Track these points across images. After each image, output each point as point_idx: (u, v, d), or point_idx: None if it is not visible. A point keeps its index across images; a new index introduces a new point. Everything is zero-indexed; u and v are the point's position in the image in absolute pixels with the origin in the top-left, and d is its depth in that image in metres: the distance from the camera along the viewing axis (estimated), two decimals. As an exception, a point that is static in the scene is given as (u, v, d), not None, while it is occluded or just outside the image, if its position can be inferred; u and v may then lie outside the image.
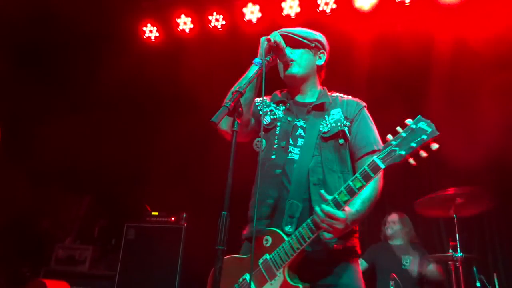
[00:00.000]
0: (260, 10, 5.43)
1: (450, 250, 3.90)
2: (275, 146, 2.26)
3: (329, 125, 2.24)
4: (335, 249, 2.04)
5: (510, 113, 4.63)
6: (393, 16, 5.05)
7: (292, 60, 2.30)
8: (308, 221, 1.93)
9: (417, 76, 5.29)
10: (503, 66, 4.75)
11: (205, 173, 5.54)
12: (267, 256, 2.02)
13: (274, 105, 2.42)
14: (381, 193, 2.11)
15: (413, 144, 1.71)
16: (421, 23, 4.93)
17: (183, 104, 5.86)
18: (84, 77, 6.02)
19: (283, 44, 2.19)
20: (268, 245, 2.04)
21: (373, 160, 1.81)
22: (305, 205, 2.08)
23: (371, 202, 2.05)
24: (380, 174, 2.04)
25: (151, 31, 6.00)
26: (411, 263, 4.65)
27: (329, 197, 1.88)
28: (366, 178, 1.82)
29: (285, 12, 5.31)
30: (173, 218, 5.38)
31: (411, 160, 1.74)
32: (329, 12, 5.17)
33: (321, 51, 2.41)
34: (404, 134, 1.75)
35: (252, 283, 2.02)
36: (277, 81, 2.40)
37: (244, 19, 5.48)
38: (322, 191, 1.91)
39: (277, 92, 2.49)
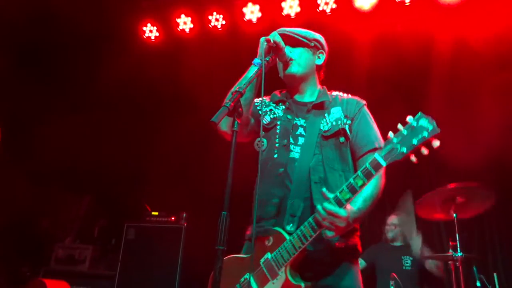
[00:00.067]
0: (260, 10, 5.43)
1: (450, 250, 3.90)
2: (276, 145, 2.26)
3: (329, 124, 2.24)
4: (337, 248, 2.04)
5: (510, 113, 4.63)
6: (393, 16, 5.05)
7: (291, 59, 2.30)
8: (310, 219, 1.93)
9: (417, 76, 5.29)
10: (503, 66, 4.76)
11: (205, 173, 5.54)
12: (268, 255, 2.02)
13: (274, 105, 2.42)
14: (383, 191, 2.10)
15: (414, 142, 1.71)
16: (421, 23, 4.94)
17: (183, 104, 5.86)
18: (84, 77, 6.02)
19: (282, 43, 2.19)
20: (269, 244, 2.04)
21: (374, 158, 1.81)
22: (307, 204, 2.08)
23: (373, 200, 2.05)
24: (381, 172, 2.05)
25: (151, 31, 6.00)
26: (412, 261, 4.67)
27: (330, 195, 1.88)
28: (368, 175, 1.82)
29: (285, 12, 5.31)
30: (173, 218, 5.38)
31: (413, 158, 1.73)
32: (329, 12, 5.17)
33: (320, 50, 2.41)
34: (405, 132, 1.74)
35: (253, 283, 2.02)
36: (276, 82, 2.40)
37: (244, 19, 5.48)
38: (324, 189, 1.91)
39: (276, 92, 2.49)
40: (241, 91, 1.87)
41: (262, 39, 2.16)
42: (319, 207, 1.88)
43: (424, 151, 1.71)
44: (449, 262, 4.02)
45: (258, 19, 5.44)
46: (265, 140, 2.31)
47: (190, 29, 5.81)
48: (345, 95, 2.40)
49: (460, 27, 4.84)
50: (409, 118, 1.75)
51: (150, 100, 6.26)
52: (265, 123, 2.35)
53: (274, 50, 2.17)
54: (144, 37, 6.01)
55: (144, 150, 6.21)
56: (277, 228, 2.05)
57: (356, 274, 2.12)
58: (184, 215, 5.36)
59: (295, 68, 2.32)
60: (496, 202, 3.84)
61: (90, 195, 6.31)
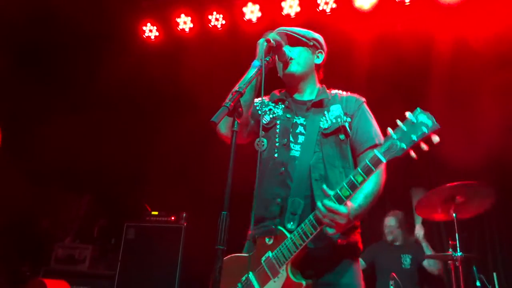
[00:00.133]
0: (260, 10, 5.44)
1: (450, 250, 3.90)
2: (276, 144, 2.26)
3: (329, 121, 2.24)
4: (338, 245, 2.05)
5: (510, 113, 4.63)
6: (393, 15, 5.06)
7: (291, 59, 2.30)
8: (311, 217, 1.93)
9: (417, 76, 5.30)
10: (503, 66, 4.76)
11: (205, 173, 5.54)
12: (269, 254, 2.02)
13: (273, 104, 2.42)
14: (383, 187, 2.10)
15: (414, 137, 1.70)
16: (421, 23, 4.94)
17: (183, 104, 5.86)
18: (84, 77, 6.02)
19: (282, 42, 2.20)
20: (270, 242, 2.04)
21: (374, 154, 1.81)
22: (307, 202, 2.08)
23: (373, 197, 2.05)
24: (382, 168, 2.05)
25: (151, 31, 6.01)
26: (411, 259, 4.67)
27: (331, 192, 1.88)
28: (368, 172, 1.81)
29: (285, 12, 5.32)
30: (173, 218, 5.38)
31: (412, 153, 1.73)
32: (329, 12, 5.18)
33: (319, 50, 2.42)
34: (404, 127, 1.74)
35: (255, 281, 2.02)
36: (276, 82, 2.40)
37: (244, 19, 5.49)
38: (324, 186, 1.91)
39: (275, 91, 2.49)
40: (241, 91, 1.87)
41: (261, 40, 2.16)
42: (319, 204, 1.87)
43: (424, 146, 1.71)
44: (449, 261, 4.02)
45: (258, 18, 5.44)
46: (265, 140, 2.31)
47: (190, 28, 5.81)
48: (344, 92, 2.41)
49: (460, 27, 4.84)
50: (408, 114, 1.75)
51: (150, 100, 6.26)
52: (265, 122, 2.35)
53: (274, 50, 2.17)
54: (144, 37, 6.01)
55: (144, 150, 6.21)
56: (278, 227, 2.06)
57: (357, 271, 2.12)
58: (184, 215, 5.36)
59: (295, 67, 2.32)
60: (496, 202, 3.84)
61: (90, 195, 6.31)
